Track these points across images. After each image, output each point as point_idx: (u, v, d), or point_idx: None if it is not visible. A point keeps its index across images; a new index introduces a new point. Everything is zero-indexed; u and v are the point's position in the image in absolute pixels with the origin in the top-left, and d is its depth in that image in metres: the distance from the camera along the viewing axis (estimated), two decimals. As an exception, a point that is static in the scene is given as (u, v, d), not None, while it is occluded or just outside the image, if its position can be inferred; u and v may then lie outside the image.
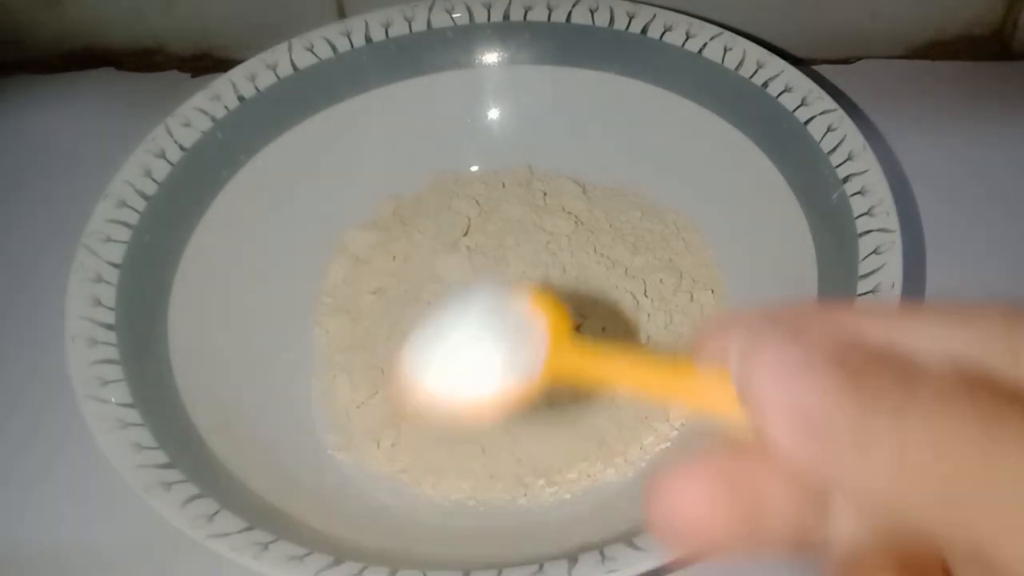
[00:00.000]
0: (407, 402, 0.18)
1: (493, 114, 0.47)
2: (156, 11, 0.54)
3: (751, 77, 0.41)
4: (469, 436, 0.38)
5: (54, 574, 0.37)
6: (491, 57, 0.46)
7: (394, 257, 0.43)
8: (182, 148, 0.40)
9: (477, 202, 0.45)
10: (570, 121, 0.46)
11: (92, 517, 0.38)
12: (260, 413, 0.38)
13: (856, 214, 0.36)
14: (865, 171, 0.37)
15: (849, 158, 0.38)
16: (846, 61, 0.54)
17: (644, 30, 0.43)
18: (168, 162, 0.40)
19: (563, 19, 0.44)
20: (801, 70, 0.41)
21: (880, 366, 0.13)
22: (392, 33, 0.45)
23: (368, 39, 0.44)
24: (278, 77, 0.43)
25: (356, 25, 0.44)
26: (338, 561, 0.29)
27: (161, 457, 0.32)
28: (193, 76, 0.55)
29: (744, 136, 0.42)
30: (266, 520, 0.31)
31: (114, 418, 0.33)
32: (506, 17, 0.45)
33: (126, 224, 0.38)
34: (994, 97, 0.51)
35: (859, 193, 0.37)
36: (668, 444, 0.38)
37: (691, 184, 0.44)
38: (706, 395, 0.15)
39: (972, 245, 0.45)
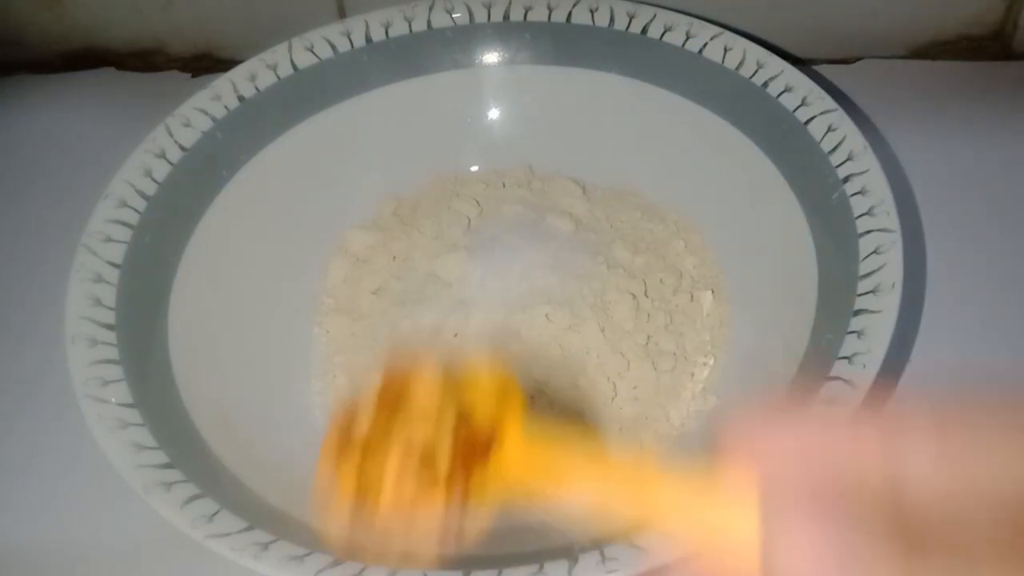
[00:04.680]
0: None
1: (493, 114, 0.47)
2: (156, 11, 0.54)
3: (751, 77, 0.41)
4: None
5: (54, 574, 0.37)
6: (491, 57, 0.46)
7: (394, 257, 0.43)
8: (182, 148, 0.40)
9: (477, 202, 0.45)
10: (570, 121, 0.46)
11: (92, 517, 0.38)
12: (260, 413, 0.38)
13: (856, 214, 0.36)
14: (865, 171, 0.37)
15: (849, 158, 0.38)
16: (846, 61, 0.54)
17: (644, 30, 0.43)
18: (168, 162, 0.40)
19: (563, 19, 0.44)
20: (801, 70, 0.41)
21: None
22: (392, 33, 0.45)
23: (368, 39, 0.44)
24: (278, 77, 0.43)
25: (356, 25, 0.44)
26: (338, 561, 0.29)
27: (161, 457, 0.32)
28: (193, 76, 0.55)
29: (744, 136, 0.42)
30: (266, 520, 0.31)
31: (114, 418, 0.33)
32: (506, 17, 0.45)
33: (126, 224, 0.38)
34: (994, 97, 0.51)
35: (859, 193, 0.37)
36: (668, 444, 0.38)
37: (691, 184, 0.44)
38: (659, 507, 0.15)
39: (972, 245, 0.45)
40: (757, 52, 0.42)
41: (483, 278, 0.40)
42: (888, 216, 0.36)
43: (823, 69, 0.53)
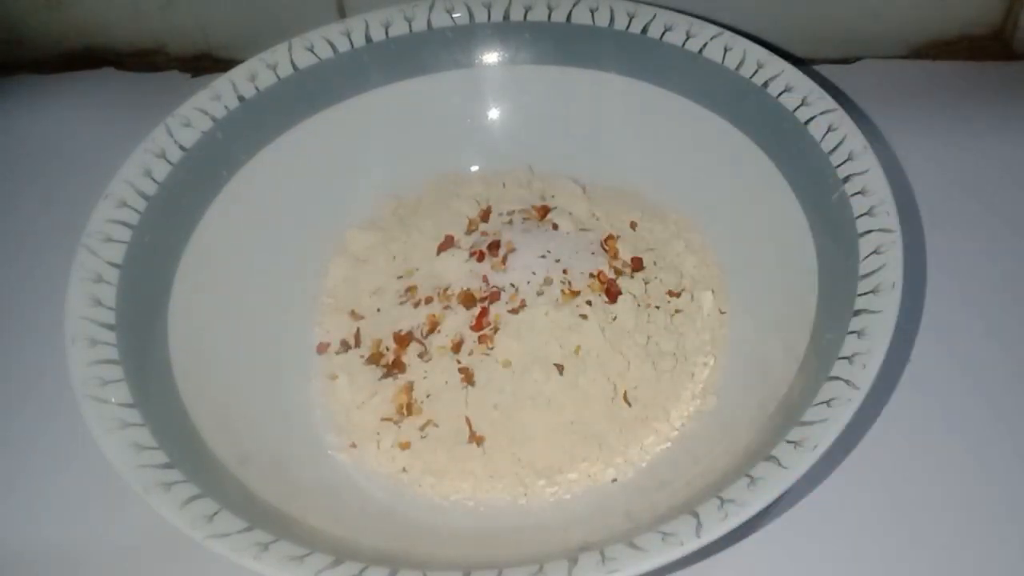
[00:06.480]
0: None
1: (493, 114, 0.47)
2: (156, 11, 0.54)
3: (751, 77, 0.41)
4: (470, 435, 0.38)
5: (54, 574, 0.37)
6: (491, 57, 0.46)
7: (394, 257, 0.43)
8: (182, 148, 0.40)
9: (477, 202, 0.45)
10: (570, 121, 0.46)
11: (92, 517, 0.38)
12: (260, 413, 0.38)
13: (856, 214, 0.36)
14: (865, 171, 0.37)
15: (849, 158, 0.38)
16: (846, 61, 0.54)
17: (644, 30, 0.43)
18: (168, 162, 0.40)
19: (563, 19, 0.44)
20: (801, 70, 0.41)
21: None
22: (392, 33, 0.45)
23: (368, 39, 0.44)
24: (278, 77, 0.43)
25: (356, 25, 0.44)
26: (338, 561, 0.29)
27: (161, 457, 0.32)
28: (193, 76, 0.55)
29: (744, 136, 0.42)
30: (266, 520, 0.31)
31: (114, 418, 0.33)
32: (506, 17, 0.45)
33: (126, 224, 0.38)
34: (994, 97, 0.51)
35: (859, 193, 0.37)
36: (668, 444, 0.38)
37: (691, 184, 0.44)
38: None
39: (972, 245, 0.45)
40: (757, 52, 0.42)
41: (483, 278, 0.40)
42: (888, 216, 0.36)
43: (823, 69, 0.53)
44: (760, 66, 0.41)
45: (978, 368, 0.41)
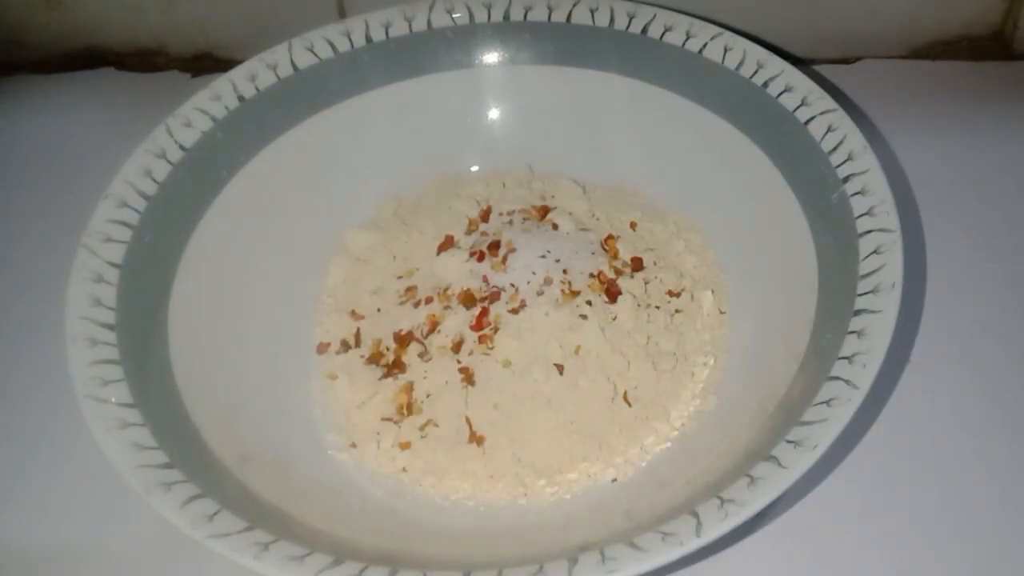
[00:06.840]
0: None
1: (493, 114, 0.47)
2: (156, 11, 0.54)
3: (751, 77, 0.41)
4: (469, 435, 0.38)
5: (54, 573, 0.37)
6: (491, 57, 0.46)
7: (394, 257, 0.43)
8: (182, 148, 0.40)
9: (477, 202, 0.45)
10: (570, 121, 0.46)
11: (92, 517, 0.38)
12: (260, 413, 0.38)
13: (856, 214, 0.36)
14: (865, 171, 0.37)
15: (849, 158, 0.38)
16: (846, 61, 0.54)
17: (644, 30, 0.43)
18: (168, 162, 0.40)
19: (563, 19, 0.44)
20: (801, 70, 0.41)
21: None
22: (392, 33, 0.45)
23: (368, 39, 0.44)
24: (278, 77, 0.43)
25: (356, 25, 0.44)
26: (338, 561, 0.29)
27: (161, 457, 0.32)
28: (193, 76, 0.55)
29: (744, 136, 0.42)
30: (266, 520, 0.31)
31: (114, 418, 0.33)
32: (506, 17, 0.45)
33: (126, 224, 0.38)
34: (994, 97, 0.51)
35: (859, 193, 0.37)
36: (668, 444, 0.38)
37: (691, 184, 0.44)
38: None
39: (972, 244, 0.45)
40: (757, 52, 0.42)
41: (483, 278, 0.40)
42: (888, 216, 0.36)
43: (823, 69, 0.53)
44: (760, 66, 0.41)
45: (978, 368, 0.41)
